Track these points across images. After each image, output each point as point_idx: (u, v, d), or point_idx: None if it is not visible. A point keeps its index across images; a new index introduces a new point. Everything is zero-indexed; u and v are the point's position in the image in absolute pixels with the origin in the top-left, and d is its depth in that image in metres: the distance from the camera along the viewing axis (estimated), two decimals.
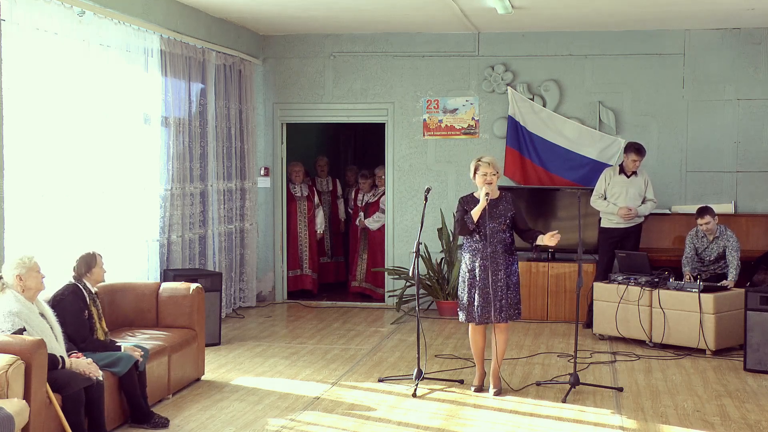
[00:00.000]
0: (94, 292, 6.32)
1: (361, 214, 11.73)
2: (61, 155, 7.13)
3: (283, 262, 11.54)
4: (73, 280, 6.22)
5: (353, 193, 12.16)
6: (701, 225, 9.08)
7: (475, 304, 6.95)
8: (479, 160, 7.01)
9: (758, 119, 10.48)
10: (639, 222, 9.71)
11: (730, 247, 8.99)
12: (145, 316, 7.42)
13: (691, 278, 9.01)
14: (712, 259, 9.15)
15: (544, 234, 6.94)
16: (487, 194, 6.87)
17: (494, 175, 6.94)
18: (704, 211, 9.10)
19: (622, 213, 9.50)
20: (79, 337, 6.01)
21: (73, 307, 6.05)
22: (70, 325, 5.92)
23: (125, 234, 8.13)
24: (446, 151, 11.06)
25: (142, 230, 8.43)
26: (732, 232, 9.10)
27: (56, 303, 5.98)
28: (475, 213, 6.90)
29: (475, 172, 7.01)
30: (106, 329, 6.37)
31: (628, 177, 9.61)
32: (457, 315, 7.24)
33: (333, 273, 12.55)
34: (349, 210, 12.41)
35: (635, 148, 9.57)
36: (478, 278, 6.94)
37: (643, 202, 9.60)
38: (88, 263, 6.27)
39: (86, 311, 6.15)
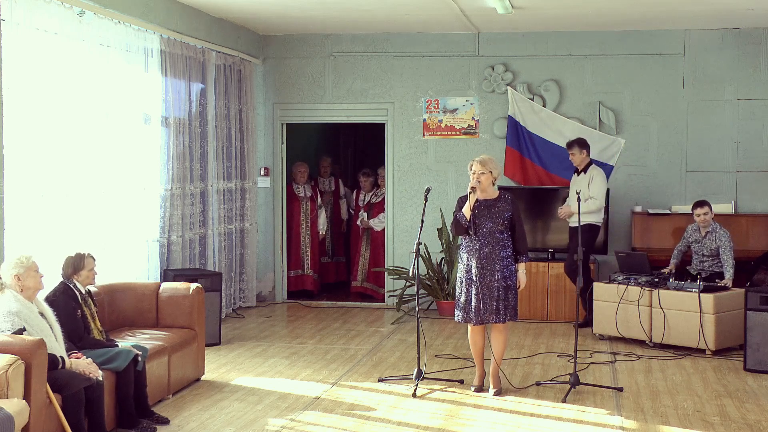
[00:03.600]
0: (85, 291, 6.31)
1: (364, 213, 11.72)
2: (61, 155, 7.13)
3: (283, 262, 11.54)
4: (63, 280, 6.22)
5: (355, 193, 12.15)
6: (698, 215, 9.11)
7: (472, 304, 6.95)
8: (474, 159, 7.05)
9: (758, 119, 10.48)
10: (587, 222, 9.46)
11: (723, 246, 9.01)
12: (145, 316, 7.42)
13: (673, 271, 9.18)
14: (705, 253, 9.17)
15: (522, 271, 7.01)
16: (472, 189, 6.88)
17: (483, 173, 6.93)
18: (704, 202, 9.20)
19: (559, 212, 9.78)
20: (75, 336, 6.00)
21: (66, 308, 6.04)
22: (64, 326, 5.90)
23: (125, 234, 8.13)
24: (446, 151, 11.07)
25: (142, 230, 8.43)
26: (725, 231, 9.11)
27: (49, 304, 5.95)
28: (466, 210, 6.91)
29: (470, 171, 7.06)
30: (101, 328, 6.36)
31: (578, 175, 9.70)
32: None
33: (334, 273, 12.55)
34: (351, 210, 12.41)
35: (567, 143, 9.85)
36: (474, 278, 6.94)
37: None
38: (75, 266, 6.24)
39: (79, 311, 6.14)
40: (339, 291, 12.07)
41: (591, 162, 9.78)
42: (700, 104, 10.60)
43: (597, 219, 9.59)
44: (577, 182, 9.69)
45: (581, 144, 9.74)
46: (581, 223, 9.55)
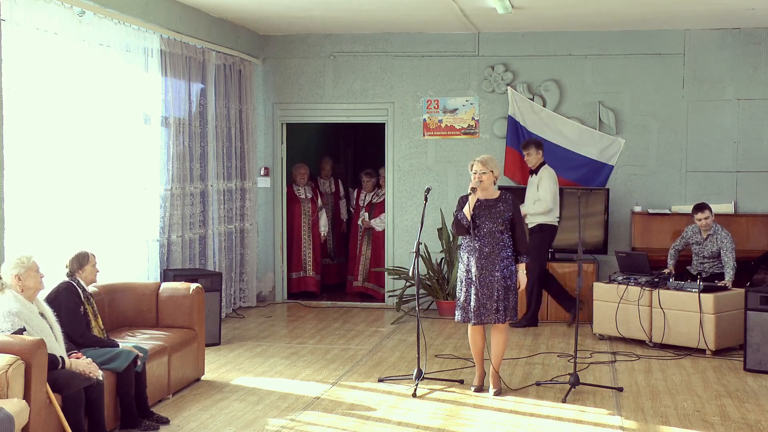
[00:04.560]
0: (87, 290, 6.31)
1: (365, 213, 11.72)
2: (61, 155, 7.13)
3: (283, 262, 11.54)
4: (66, 278, 6.23)
5: (356, 192, 12.15)
6: (699, 220, 9.11)
7: (472, 304, 6.95)
8: (474, 159, 7.05)
9: (758, 119, 10.48)
10: (537, 223, 9.63)
11: (725, 248, 9.00)
12: (145, 316, 7.42)
13: (672, 272, 9.16)
14: (706, 255, 9.18)
15: (522, 271, 7.00)
16: (473, 189, 6.88)
17: (484, 173, 6.93)
18: (704, 205, 9.18)
19: None
20: (75, 332, 6.00)
21: (68, 304, 6.05)
22: (66, 321, 5.91)
23: (125, 234, 8.13)
24: (446, 151, 11.06)
25: (142, 230, 8.43)
26: (726, 232, 9.11)
27: (51, 301, 5.97)
28: (466, 210, 6.91)
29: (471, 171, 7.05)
30: (102, 327, 6.36)
31: (531, 176, 9.84)
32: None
33: (336, 274, 12.54)
34: (351, 209, 12.41)
35: (523, 143, 9.98)
36: (474, 278, 6.94)
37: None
38: (80, 261, 6.28)
39: (81, 307, 6.14)
40: (340, 291, 12.07)
41: (544, 162, 9.81)
42: (700, 104, 10.60)
43: (549, 219, 9.58)
44: (531, 183, 9.76)
45: (537, 144, 9.77)
46: (532, 225, 9.64)
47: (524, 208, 9.65)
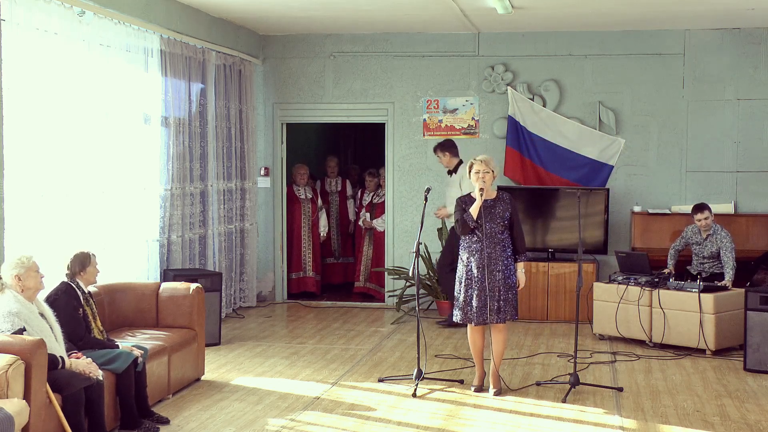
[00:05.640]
0: (87, 291, 6.31)
1: (367, 214, 11.71)
2: (61, 155, 7.13)
3: (283, 262, 11.54)
4: (66, 280, 6.21)
5: (360, 192, 12.15)
6: (699, 220, 9.11)
7: (473, 304, 6.95)
8: (474, 159, 7.05)
9: (758, 119, 10.48)
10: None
11: (724, 248, 9.01)
12: (145, 316, 7.42)
13: (672, 272, 9.16)
14: (706, 255, 9.18)
15: (521, 270, 7.03)
16: (481, 190, 6.89)
17: (487, 173, 6.94)
18: (704, 206, 9.18)
19: (435, 213, 10.09)
20: (75, 336, 5.99)
21: (67, 307, 6.03)
22: (65, 325, 5.89)
23: (125, 234, 8.13)
24: None
25: (142, 230, 8.44)
26: (726, 232, 9.11)
27: (50, 303, 5.94)
28: (473, 210, 6.92)
29: (470, 171, 7.04)
30: (102, 328, 6.35)
31: (450, 176, 9.90)
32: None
33: (341, 274, 12.53)
34: (356, 209, 12.40)
35: (433, 147, 10.02)
36: (475, 278, 6.94)
37: None
38: (83, 262, 6.25)
39: (80, 310, 6.13)
40: (341, 291, 12.06)
41: (461, 162, 9.80)
42: (700, 104, 10.60)
43: None
44: (450, 183, 9.82)
45: (443, 147, 9.80)
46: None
47: (448, 208, 9.66)
